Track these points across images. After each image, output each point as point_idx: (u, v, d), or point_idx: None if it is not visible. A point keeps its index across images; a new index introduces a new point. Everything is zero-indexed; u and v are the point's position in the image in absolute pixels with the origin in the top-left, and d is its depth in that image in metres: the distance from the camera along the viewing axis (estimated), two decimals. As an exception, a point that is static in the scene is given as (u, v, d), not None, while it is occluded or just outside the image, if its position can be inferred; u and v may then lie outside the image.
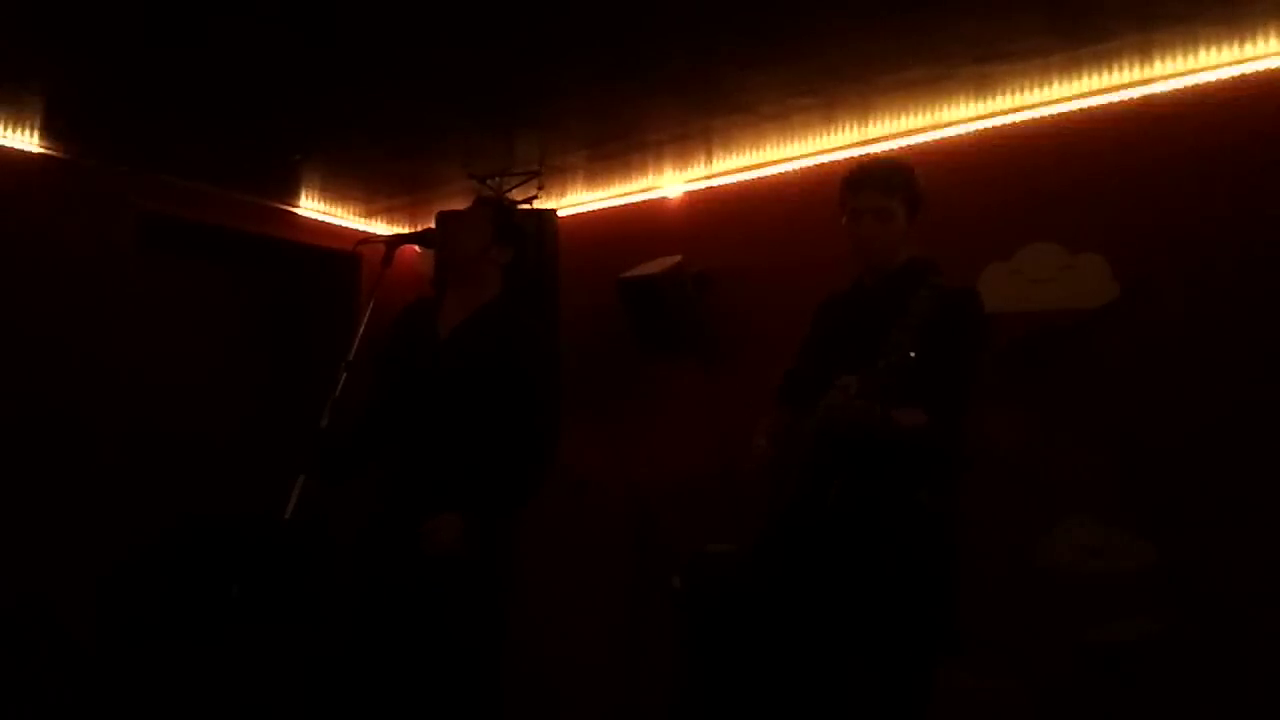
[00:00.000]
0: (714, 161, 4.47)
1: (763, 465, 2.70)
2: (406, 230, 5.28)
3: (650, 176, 4.70)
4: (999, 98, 3.75)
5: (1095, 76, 3.54)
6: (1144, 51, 3.35)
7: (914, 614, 2.42)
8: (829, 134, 4.14)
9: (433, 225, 4.38)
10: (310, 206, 5.22)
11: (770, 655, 2.64)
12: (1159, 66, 3.44)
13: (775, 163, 4.41)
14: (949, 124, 3.94)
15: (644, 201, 4.86)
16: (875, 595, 2.42)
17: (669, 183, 4.74)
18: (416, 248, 4.47)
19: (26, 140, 4.20)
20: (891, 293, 2.55)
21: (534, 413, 2.88)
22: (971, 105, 3.82)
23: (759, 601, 2.72)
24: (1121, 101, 3.59)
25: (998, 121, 3.85)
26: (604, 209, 4.99)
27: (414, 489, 2.85)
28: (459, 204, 4.82)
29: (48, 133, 4.15)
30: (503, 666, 2.98)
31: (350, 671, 2.87)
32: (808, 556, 2.51)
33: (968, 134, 3.92)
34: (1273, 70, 3.31)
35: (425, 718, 2.84)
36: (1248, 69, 3.35)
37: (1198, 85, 3.44)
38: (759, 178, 4.49)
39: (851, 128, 4.07)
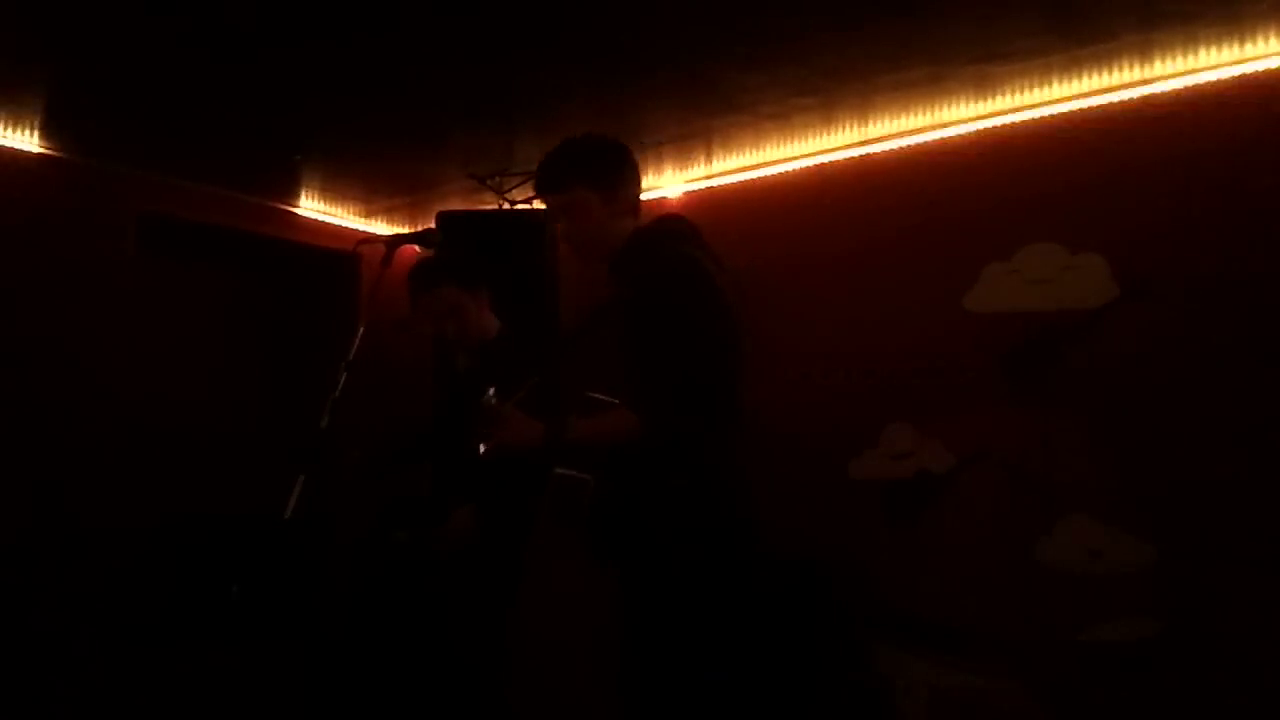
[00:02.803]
0: (714, 161, 4.47)
1: None
2: (406, 230, 5.27)
3: (650, 176, 4.69)
4: (999, 98, 3.75)
5: (1095, 76, 3.54)
6: (1144, 51, 3.35)
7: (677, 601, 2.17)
8: (829, 134, 4.14)
9: (433, 225, 4.38)
10: (310, 206, 5.22)
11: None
12: (1159, 66, 3.45)
13: (775, 163, 4.41)
14: (949, 124, 3.94)
15: (644, 201, 4.84)
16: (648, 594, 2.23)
17: (669, 183, 4.74)
18: (416, 248, 4.47)
19: (26, 140, 4.19)
20: (613, 282, 2.40)
21: None
22: (971, 105, 3.82)
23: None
24: (1121, 101, 3.59)
25: (998, 121, 3.86)
26: (604, 209, 4.98)
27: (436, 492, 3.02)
28: (459, 204, 4.84)
29: (48, 133, 4.15)
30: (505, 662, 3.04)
31: (357, 667, 2.93)
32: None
33: (968, 134, 3.92)
34: (1273, 70, 3.32)
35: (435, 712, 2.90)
36: (1248, 69, 3.35)
37: (1198, 85, 3.45)
38: (759, 178, 4.49)
39: (851, 128, 4.07)
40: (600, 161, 2.41)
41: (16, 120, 4.03)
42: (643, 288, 2.24)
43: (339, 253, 5.17)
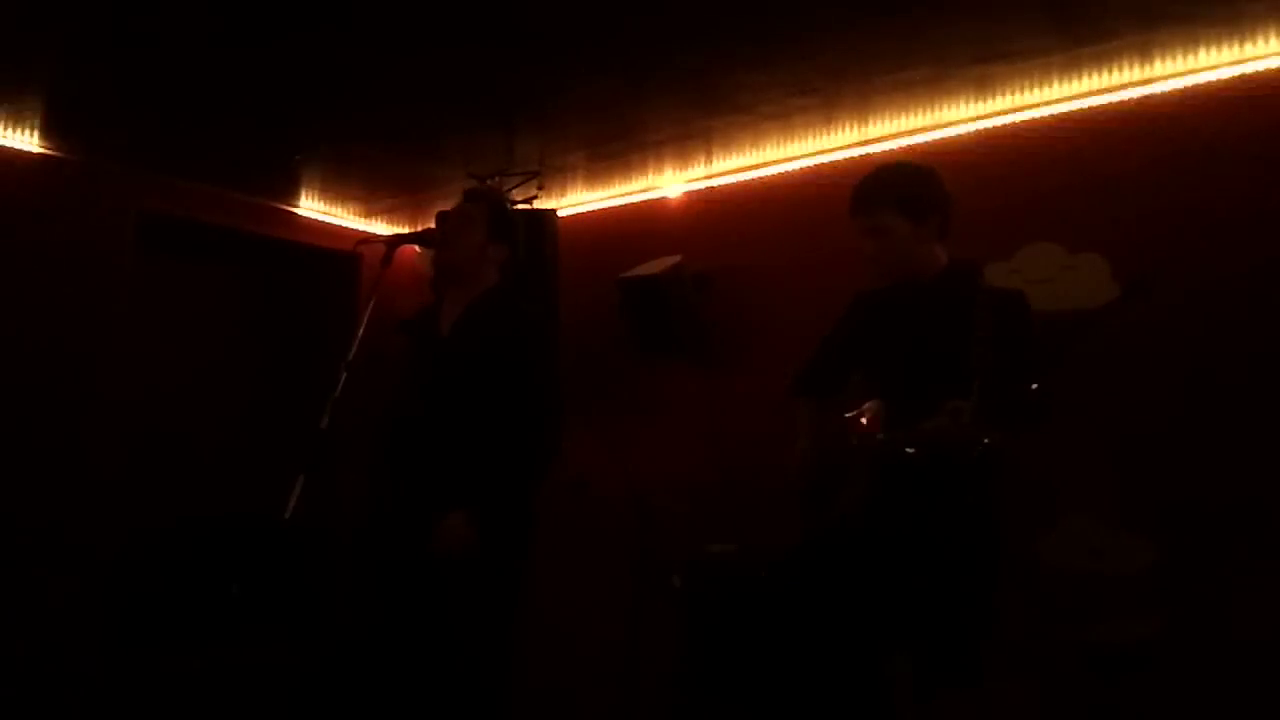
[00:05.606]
0: (714, 161, 4.47)
1: (807, 465, 2.69)
2: (406, 230, 5.28)
3: (650, 176, 4.70)
4: (999, 98, 3.75)
5: (1095, 76, 3.54)
6: (1144, 51, 3.35)
7: (970, 615, 2.46)
8: (829, 134, 4.14)
9: (433, 225, 4.39)
10: (310, 206, 5.22)
11: (804, 654, 2.58)
12: (1159, 66, 3.44)
13: (775, 163, 4.41)
14: (949, 124, 3.94)
15: (644, 201, 4.86)
16: (937, 599, 2.40)
17: (669, 183, 4.74)
18: (416, 248, 4.48)
19: (26, 140, 4.20)
20: (938, 299, 2.53)
21: (535, 398, 2.95)
22: (971, 105, 3.82)
23: (798, 601, 2.66)
24: (1121, 101, 3.59)
25: (998, 121, 3.85)
26: (604, 209, 4.99)
27: (423, 487, 2.91)
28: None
29: (48, 133, 4.15)
30: (510, 666, 3.01)
31: (358, 670, 2.91)
32: (872, 560, 2.47)
33: (968, 134, 3.92)
34: (1273, 70, 3.31)
35: (431, 717, 2.87)
36: (1248, 69, 3.35)
37: (1198, 85, 3.44)
38: (759, 178, 4.49)
39: (851, 128, 4.07)
40: (912, 191, 2.54)
41: (16, 120, 4.03)
42: (1010, 315, 2.48)
43: (339, 253, 5.17)
